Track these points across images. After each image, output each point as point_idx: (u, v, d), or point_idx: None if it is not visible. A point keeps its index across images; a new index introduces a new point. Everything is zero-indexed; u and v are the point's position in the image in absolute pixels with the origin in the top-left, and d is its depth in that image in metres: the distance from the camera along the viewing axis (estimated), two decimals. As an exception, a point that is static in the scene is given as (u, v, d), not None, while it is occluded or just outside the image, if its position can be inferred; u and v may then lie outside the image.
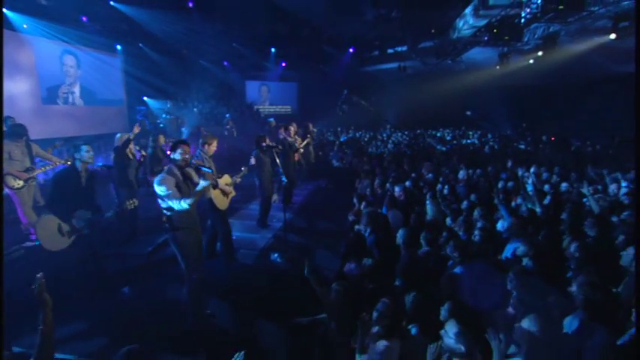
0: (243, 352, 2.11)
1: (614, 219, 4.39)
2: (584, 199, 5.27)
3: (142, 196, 5.41)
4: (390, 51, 16.49)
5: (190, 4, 10.14)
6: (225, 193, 4.47)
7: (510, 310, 2.70)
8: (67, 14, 10.02)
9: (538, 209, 4.86)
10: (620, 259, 3.21)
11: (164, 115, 12.91)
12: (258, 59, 16.50)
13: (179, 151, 3.30)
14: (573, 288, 2.73)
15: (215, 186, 4.33)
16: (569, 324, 2.53)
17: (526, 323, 2.23)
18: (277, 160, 5.05)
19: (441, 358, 2.35)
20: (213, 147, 4.46)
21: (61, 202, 3.65)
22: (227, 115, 13.55)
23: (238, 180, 4.80)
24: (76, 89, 11.76)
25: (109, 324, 3.52)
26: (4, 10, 8.97)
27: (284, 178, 4.90)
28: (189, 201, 3.16)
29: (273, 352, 3.29)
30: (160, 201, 3.18)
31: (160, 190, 3.14)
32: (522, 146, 13.56)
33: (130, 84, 13.50)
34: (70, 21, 10.29)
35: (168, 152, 3.46)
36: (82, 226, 3.67)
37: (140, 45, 12.91)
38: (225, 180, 4.58)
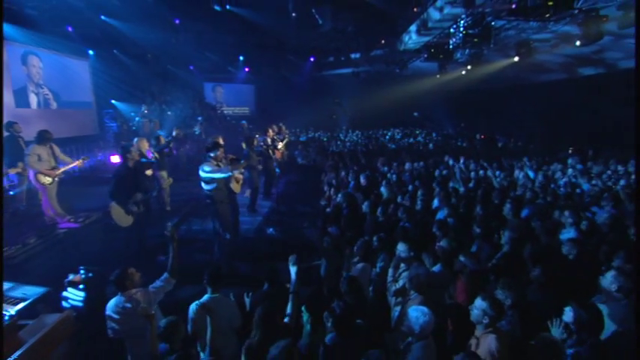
0: (295, 256, 3.30)
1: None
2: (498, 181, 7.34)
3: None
4: (342, 58, 18.30)
5: (177, 21, 11.07)
6: (237, 181, 5.80)
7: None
8: (47, 23, 10.46)
9: (461, 189, 6.74)
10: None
11: (137, 119, 13.45)
12: (224, 65, 17.47)
13: (219, 150, 4.62)
14: (476, 229, 4.49)
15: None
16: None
17: (443, 242, 3.89)
18: (272, 157, 6.45)
19: (398, 270, 3.90)
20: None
21: (122, 192, 4.77)
22: (199, 118, 14.41)
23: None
24: (45, 92, 12.04)
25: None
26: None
27: (278, 170, 6.29)
28: (229, 173, 4.50)
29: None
30: (203, 184, 4.50)
31: (205, 172, 4.43)
32: (460, 143, 15.99)
33: (100, 88, 13.86)
34: (49, 28, 10.71)
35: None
36: (139, 207, 4.84)
37: (114, 51, 13.35)
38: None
